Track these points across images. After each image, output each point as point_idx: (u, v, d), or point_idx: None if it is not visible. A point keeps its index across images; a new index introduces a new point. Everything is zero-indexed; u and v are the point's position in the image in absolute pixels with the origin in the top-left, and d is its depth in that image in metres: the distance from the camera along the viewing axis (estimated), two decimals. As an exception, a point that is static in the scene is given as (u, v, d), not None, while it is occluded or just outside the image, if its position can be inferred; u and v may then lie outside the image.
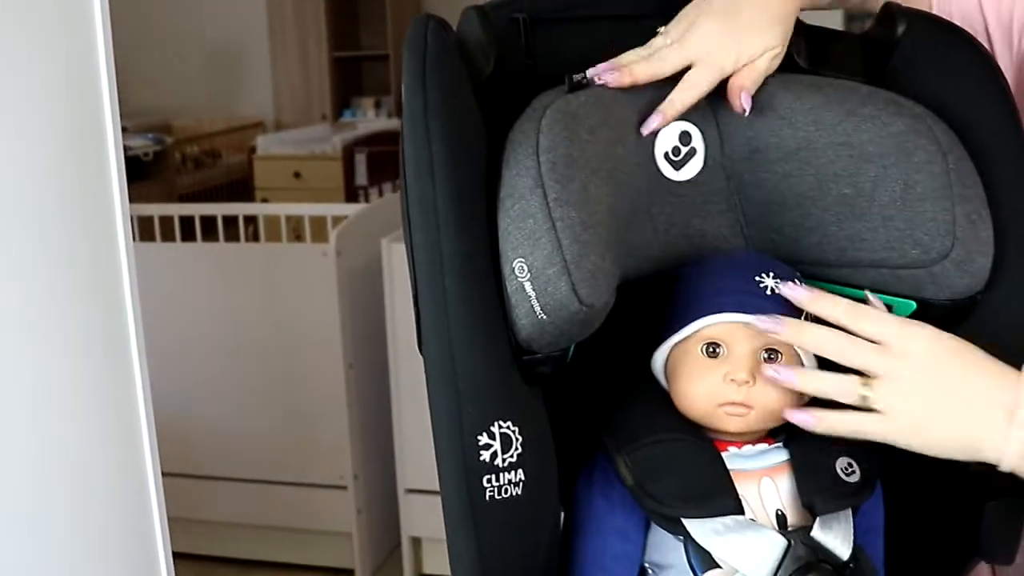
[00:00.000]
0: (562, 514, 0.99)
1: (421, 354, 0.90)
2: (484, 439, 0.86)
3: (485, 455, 0.86)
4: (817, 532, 0.94)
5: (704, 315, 0.96)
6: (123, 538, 1.39)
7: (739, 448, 0.97)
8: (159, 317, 2.80)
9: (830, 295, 0.95)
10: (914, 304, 1.00)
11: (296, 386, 2.97)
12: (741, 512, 0.93)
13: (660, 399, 0.99)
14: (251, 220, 3.54)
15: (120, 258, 1.35)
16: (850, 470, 0.97)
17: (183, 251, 3.09)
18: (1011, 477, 1.02)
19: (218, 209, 3.35)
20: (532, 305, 0.87)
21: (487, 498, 0.86)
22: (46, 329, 1.20)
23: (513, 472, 0.87)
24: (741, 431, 0.96)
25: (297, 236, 3.57)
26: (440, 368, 0.87)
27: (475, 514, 0.87)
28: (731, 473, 0.94)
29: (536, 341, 0.89)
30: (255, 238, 3.56)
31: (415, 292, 0.90)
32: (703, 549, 0.93)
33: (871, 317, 0.93)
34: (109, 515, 1.35)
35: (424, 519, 2.94)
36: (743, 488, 0.94)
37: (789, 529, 0.94)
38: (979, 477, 1.02)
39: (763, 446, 0.97)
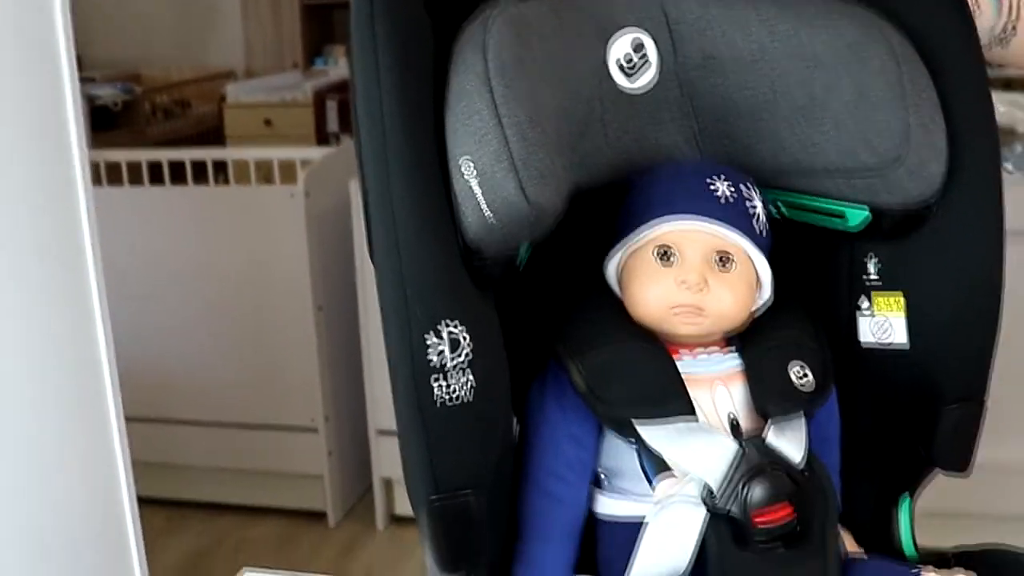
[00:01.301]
0: (515, 423, 0.98)
1: (373, 263, 0.90)
2: (432, 339, 0.85)
3: (433, 356, 0.85)
4: (770, 437, 0.94)
5: (655, 218, 0.95)
6: (86, 485, 1.39)
7: (692, 354, 0.96)
8: (126, 261, 2.78)
9: None
10: (867, 211, 0.99)
11: (266, 329, 2.96)
12: (693, 415, 0.92)
13: (613, 306, 0.99)
14: (221, 167, 3.51)
15: (79, 202, 1.34)
16: (803, 376, 0.97)
17: (151, 195, 3.05)
18: (964, 385, 1.03)
19: (186, 155, 3.30)
20: (479, 204, 0.87)
21: (437, 403, 0.86)
22: (4, 275, 1.19)
23: (462, 374, 0.86)
24: (694, 336, 0.96)
25: (267, 182, 3.54)
26: (389, 271, 0.87)
27: (425, 419, 0.86)
28: (684, 378, 0.94)
29: (484, 242, 0.89)
30: (225, 184, 3.53)
31: (365, 201, 0.89)
32: (655, 454, 0.93)
33: None
34: (70, 459, 1.34)
35: (396, 460, 2.90)
36: (696, 394, 0.94)
37: (742, 434, 0.94)
38: (933, 384, 1.02)
39: (716, 352, 0.97)
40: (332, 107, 4.61)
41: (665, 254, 0.96)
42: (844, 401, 1.05)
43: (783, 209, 1.05)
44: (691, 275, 0.94)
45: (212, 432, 3.04)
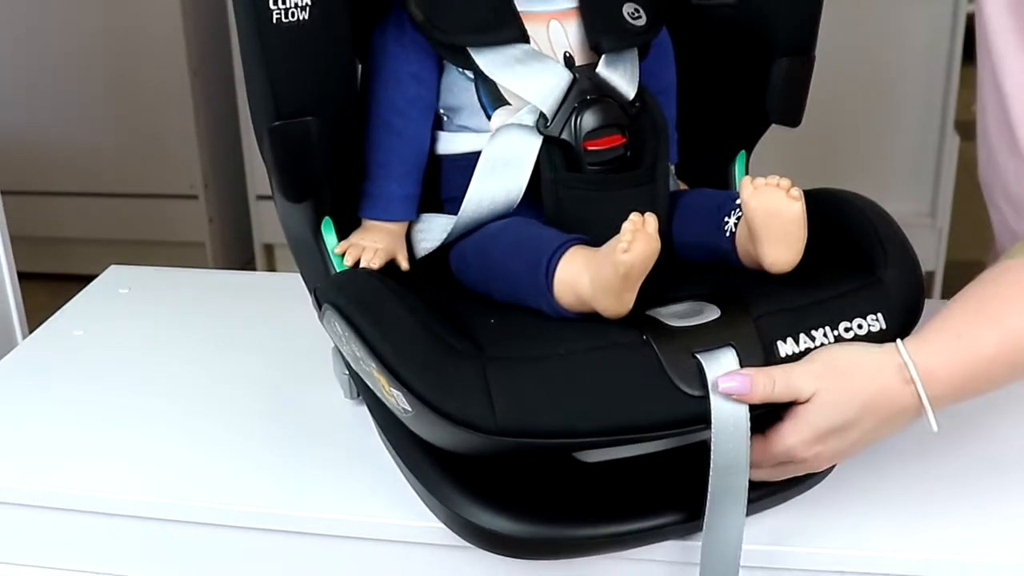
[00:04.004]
0: (359, 66, 1.00)
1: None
2: None
3: (269, -27, 0.86)
4: (602, 69, 0.97)
5: None
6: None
7: (529, -12, 0.98)
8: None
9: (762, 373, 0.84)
10: None
11: (140, 96, 2.92)
12: (527, 41, 0.95)
13: None
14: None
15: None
16: (637, 15, 1.00)
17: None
18: (793, 38, 1.07)
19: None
20: None
21: (274, 20, 0.87)
22: None
23: None
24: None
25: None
26: None
27: (264, 39, 0.87)
28: (520, 14, 0.96)
29: None
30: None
31: None
32: (493, 88, 0.96)
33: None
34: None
35: (276, 226, 2.93)
36: (532, 28, 0.96)
37: (576, 67, 0.97)
38: (763, 37, 1.06)
39: (552, -12, 0.99)
40: None
41: None
42: (681, 57, 1.09)
43: None
44: None
45: (90, 203, 3.02)
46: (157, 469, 1.03)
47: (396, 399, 0.84)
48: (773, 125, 1.10)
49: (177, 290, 1.40)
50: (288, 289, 1.31)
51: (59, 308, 1.35)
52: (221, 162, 3.00)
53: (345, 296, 0.91)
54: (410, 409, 0.83)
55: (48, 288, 3.02)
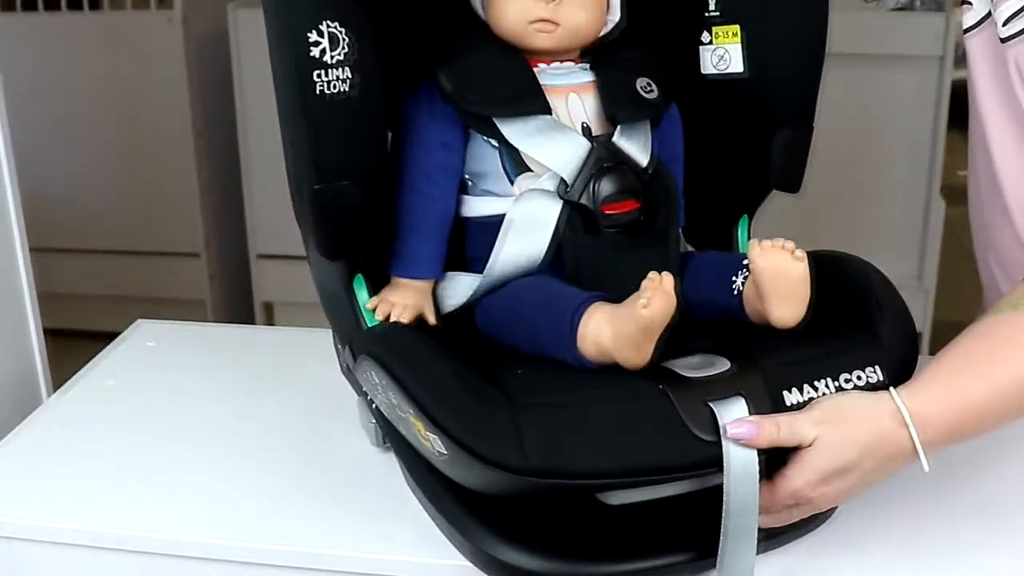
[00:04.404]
0: (390, 135, 1.08)
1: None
2: (313, 36, 0.94)
3: (315, 51, 0.94)
4: (618, 139, 1.05)
5: None
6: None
7: (548, 65, 1.06)
8: None
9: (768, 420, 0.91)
10: None
11: (146, 156, 2.99)
12: (549, 113, 1.03)
13: (479, 27, 1.08)
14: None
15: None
16: (649, 89, 1.08)
17: (27, 21, 3.02)
18: (794, 109, 1.14)
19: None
20: None
21: (318, 92, 0.94)
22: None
23: (341, 70, 0.95)
24: (550, 48, 1.06)
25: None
26: None
27: (308, 109, 0.94)
28: (542, 88, 1.04)
29: None
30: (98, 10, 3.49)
31: None
32: (516, 155, 1.04)
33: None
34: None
35: (276, 284, 3.03)
36: (553, 102, 1.04)
37: (593, 137, 1.05)
38: (766, 108, 1.14)
39: (570, 65, 1.07)
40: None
41: None
42: (689, 128, 1.16)
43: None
44: None
45: (93, 260, 3.08)
46: (197, 510, 1.09)
47: (432, 443, 0.91)
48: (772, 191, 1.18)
49: (201, 343, 1.47)
50: (300, 344, 1.40)
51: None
52: (223, 222, 3.07)
53: (383, 347, 0.97)
54: (445, 452, 0.90)
55: (51, 343, 3.07)
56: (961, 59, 2.69)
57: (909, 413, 0.91)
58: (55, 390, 1.39)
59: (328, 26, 0.94)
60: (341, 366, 1.27)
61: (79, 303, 3.08)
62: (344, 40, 0.95)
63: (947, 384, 0.93)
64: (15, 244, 1.54)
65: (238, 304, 3.14)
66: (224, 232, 3.08)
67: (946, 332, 1.04)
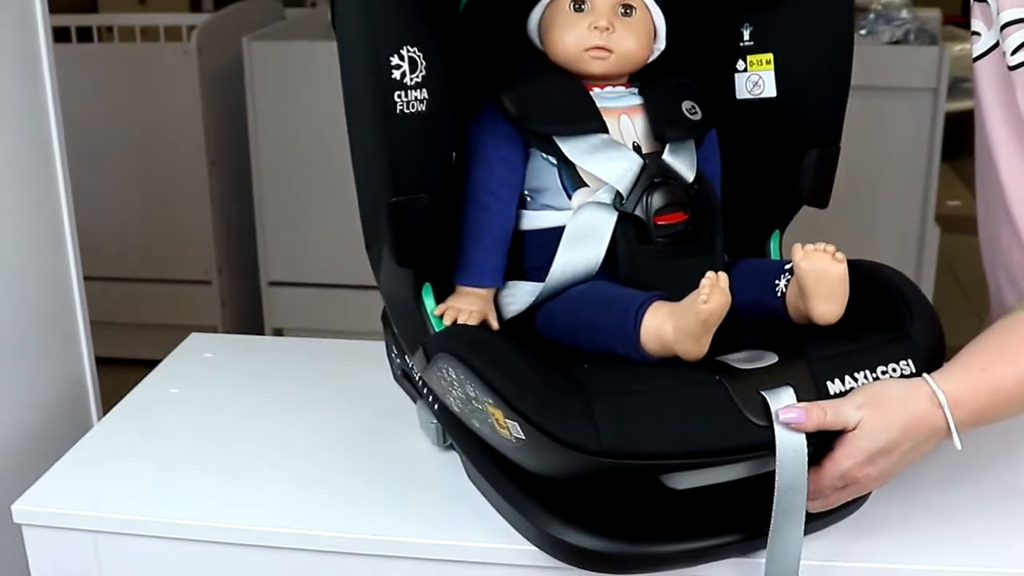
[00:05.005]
0: (454, 153, 1.17)
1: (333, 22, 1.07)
2: (395, 60, 1.03)
3: (396, 74, 1.03)
4: (667, 156, 1.14)
5: None
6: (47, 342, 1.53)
7: (602, 89, 1.16)
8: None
9: (815, 405, 1.00)
10: None
11: (160, 184, 3.07)
12: (605, 131, 1.12)
13: (537, 53, 1.18)
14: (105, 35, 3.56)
15: (43, 71, 1.46)
16: (694, 111, 1.17)
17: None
18: (823, 130, 1.24)
19: (71, 20, 3.36)
20: None
21: (398, 112, 1.03)
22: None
23: (419, 91, 1.04)
24: (603, 73, 1.15)
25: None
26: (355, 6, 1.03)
27: (389, 127, 1.03)
28: (598, 108, 1.14)
29: None
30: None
31: None
32: (573, 171, 1.13)
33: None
34: (36, 319, 1.49)
35: (286, 311, 3.10)
36: (607, 122, 1.14)
37: (644, 155, 1.14)
38: (797, 130, 1.23)
39: (621, 89, 1.17)
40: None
41: (579, 6, 1.15)
42: (725, 149, 1.26)
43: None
44: (600, 20, 1.14)
45: (107, 287, 3.14)
46: (271, 505, 1.17)
47: (510, 430, 0.99)
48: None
49: (254, 355, 1.54)
50: (348, 354, 1.52)
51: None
52: (235, 249, 3.15)
53: (461, 343, 1.06)
54: (524, 436, 0.98)
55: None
56: (952, 91, 2.82)
57: (944, 395, 1.00)
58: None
59: (408, 50, 1.03)
60: (394, 373, 1.36)
61: (93, 330, 3.13)
62: (422, 63, 1.04)
63: (979, 368, 1.04)
64: (71, 273, 1.63)
65: (249, 330, 3.21)
66: (236, 259, 3.16)
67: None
